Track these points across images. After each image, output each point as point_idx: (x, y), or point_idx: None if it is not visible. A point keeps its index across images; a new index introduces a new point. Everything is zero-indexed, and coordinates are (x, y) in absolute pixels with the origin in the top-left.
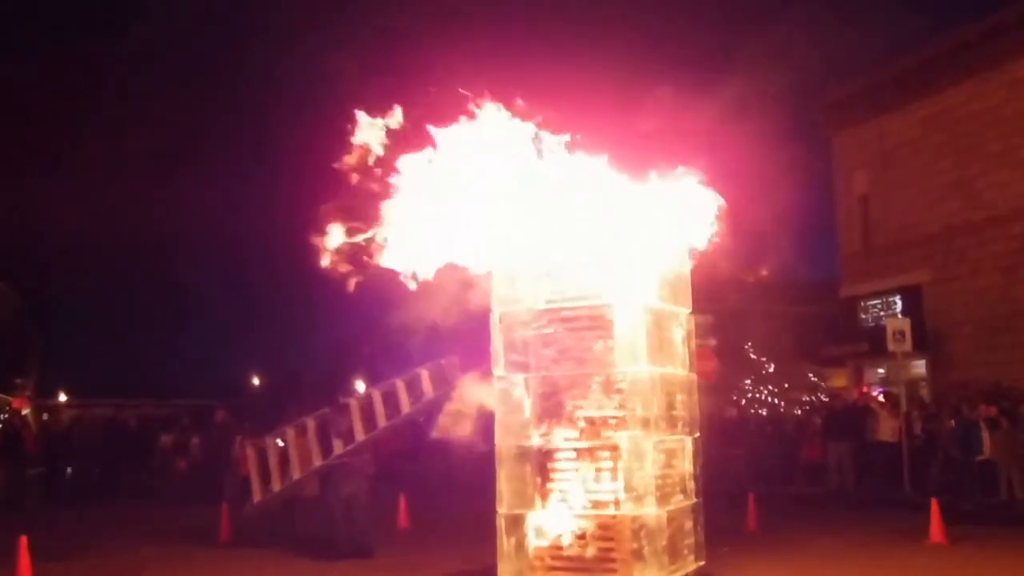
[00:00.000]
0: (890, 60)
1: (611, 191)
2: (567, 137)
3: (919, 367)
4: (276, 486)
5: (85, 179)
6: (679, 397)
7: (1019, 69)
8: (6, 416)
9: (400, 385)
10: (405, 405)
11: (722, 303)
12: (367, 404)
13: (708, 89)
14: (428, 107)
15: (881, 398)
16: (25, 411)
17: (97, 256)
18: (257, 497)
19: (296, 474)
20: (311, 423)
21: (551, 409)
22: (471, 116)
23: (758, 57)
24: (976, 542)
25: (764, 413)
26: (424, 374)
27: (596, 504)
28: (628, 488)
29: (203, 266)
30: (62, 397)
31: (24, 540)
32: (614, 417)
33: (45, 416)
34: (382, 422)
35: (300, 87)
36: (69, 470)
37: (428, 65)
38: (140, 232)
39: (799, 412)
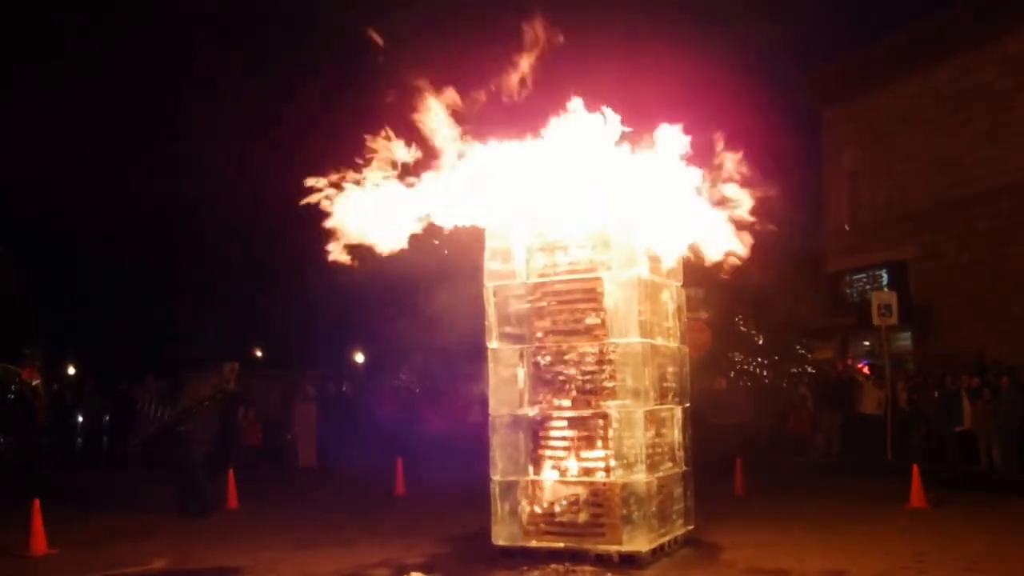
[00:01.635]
0: (880, 36)
1: (606, 164)
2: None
3: (904, 340)
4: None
5: (88, 139)
6: (670, 368)
7: (1009, 45)
8: (17, 387)
9: (199, 376)
10: (188, 398)
11: (713, 276)
12: (181, 387)
13: (702, 66)
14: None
15: (866, 370)
16: (35, 382)
17: (103, 226)
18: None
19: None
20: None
21: (544, 379)
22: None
23: (749, 32)
24: (955, 507)
25: (752, 384)
26: (207, 373)
27: (587, 471)
28: (619, 456)
29: (214, 233)
30: (70, 369)
31: (37, 503)
32: (605, 387)
33: (55, 386)
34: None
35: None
36: (80, 440)
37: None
38: (147, 201)
39: (786, 384)
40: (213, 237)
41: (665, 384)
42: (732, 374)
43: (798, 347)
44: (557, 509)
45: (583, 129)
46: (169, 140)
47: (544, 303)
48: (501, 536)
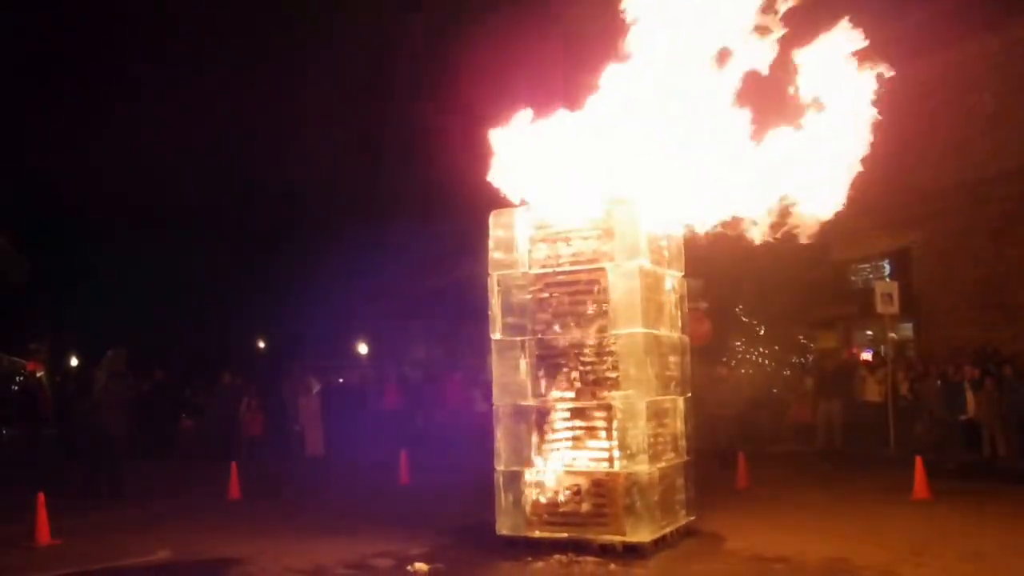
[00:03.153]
0: (886, 20)
1: (609, 153)
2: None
3: (907, 329)
4: None
5: (98, 132)
6: (672, 358)
7: (1017, 29)
8: (22, 379)
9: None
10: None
11: (714, 266)
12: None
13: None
14: None
15: (869, 359)
16: (39, 374)
17: (106, 218)
18: None
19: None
20: None
21: (547, 370)
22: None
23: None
24: (958, 497)
25: (754, 374)
26: (103, 361)
27: (591, 461)
28: (622, 446)
29: (213, 225)
30: (73, 360)
31: (41, 496)
32: (608, 378)
33: (58, 378)
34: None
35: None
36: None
37: None
38: (149, 193)
39: (788, 373)
40: (220, 230)
41: (667, 374)
42: (734, 364)
43: (800, 336)
44: (560, 499)
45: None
46: (174, 135)
47: (547, 293)
48: (505, 526)
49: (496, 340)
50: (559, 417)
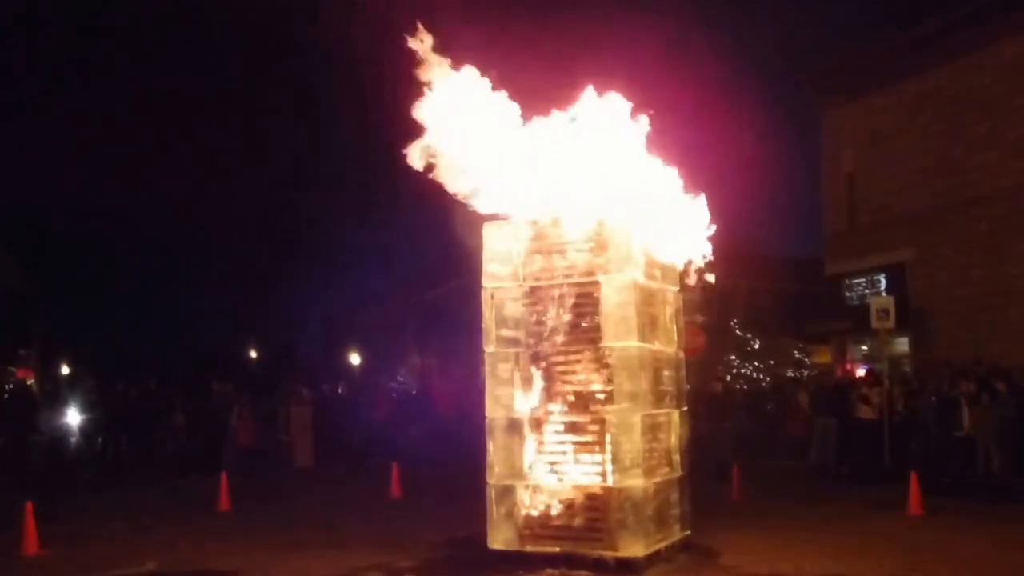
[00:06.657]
0: (879, 40)
1: (603, 168)
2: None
3: (902, 344)
4: None
5: (89, 145)
6: (666, 372)
7: (1007, 50)
8: (11, 387)
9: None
10: None
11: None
12: None
13: (700, 65)
14: None
15: (865, 375)
16: (29, 381)
17: (98, 227)
18: None
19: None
20: None
21: (540, 383)
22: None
23: (749, 33)
24: (953, 513)
25: (748, 388)
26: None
27: (584, 476)
28: (615, 460)
29: (205, 237)
30: (64, 369)
31: (30, 505)
32: (602, 391)
33: (48, 386)
34: None
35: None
36: (73, 440)
37: None
38: (141, 202)
39: (783, 388)
40: (211, 243)
41: (662, 388)
42: (728, 378)
43: (795, 351)
44: (553, 513)
45: (580, 130)
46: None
47: (541, 306)
48: (497, 540)
49: (489, 353)
50: (552, 430)
